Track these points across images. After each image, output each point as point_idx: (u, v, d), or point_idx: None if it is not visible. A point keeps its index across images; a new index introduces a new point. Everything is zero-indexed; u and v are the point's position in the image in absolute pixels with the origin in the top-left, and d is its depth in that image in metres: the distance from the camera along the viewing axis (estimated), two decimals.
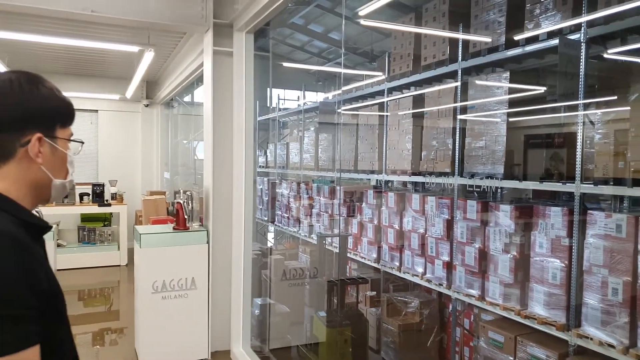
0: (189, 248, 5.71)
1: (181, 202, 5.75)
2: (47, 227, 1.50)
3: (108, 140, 12.63)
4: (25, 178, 1.45)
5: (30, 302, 1.21)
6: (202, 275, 5.74)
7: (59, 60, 9.90)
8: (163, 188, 12.28)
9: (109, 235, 11.47)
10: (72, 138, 1.59)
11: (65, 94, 1.57)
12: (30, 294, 1.21)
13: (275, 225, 10.12)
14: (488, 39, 5.06)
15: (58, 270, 9.14)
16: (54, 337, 1.34)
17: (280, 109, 11.08)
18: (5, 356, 1.14)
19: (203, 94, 6.20)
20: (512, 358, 4.61)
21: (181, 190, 6.42)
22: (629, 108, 3.91)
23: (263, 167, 10.98)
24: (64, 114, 1.55)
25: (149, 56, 7.39)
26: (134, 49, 7.38)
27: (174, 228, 5.87)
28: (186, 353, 5.73)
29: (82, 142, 1.64)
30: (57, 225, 10.45)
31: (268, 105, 11.61)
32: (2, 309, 1.15)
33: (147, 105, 12.69)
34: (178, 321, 5.63)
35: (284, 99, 11.87)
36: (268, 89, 11.57)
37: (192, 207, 5.92)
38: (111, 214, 11.51)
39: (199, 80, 9.14)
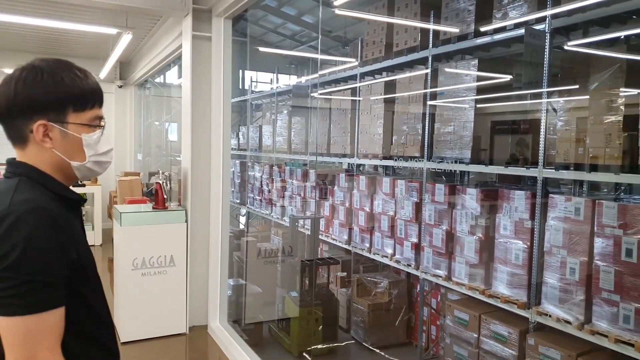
0: (168, 227, 5.77)
1: (160, 182, 5.81)
2: (82, 200, 1.64)
3: None
4: (45, 160, 1.54)
5: (57, 271, 1.38)
6: (181, 253, 5.81)
7: (28, 39, 9.65)
8: (136, 169, 12.22)
9: (83, 215, 11.29)
10: (90, 122, 1.59)
11: None
12: (59, 264, 1.39)
13: (248, 207, 10.16)
14: (456, 30, 5.18)
15: None
16: (82, 296, 1.51)
17: (252, 91, 11.07)
18: (34, 314, 1.33)
19: (182, 78, 6.19)
20: (476, 335, 4.79)
21: (160, 171, 6.46)
22: (588, 97, 4.09)
23: (235, 149, 10.88)
24: (77, 98, 1.55)
25: (126, 38, 7.27)
26: (112, 31, 7.28)
27: (153, 207, 5.92)
28: (165, 328, 5.79)
29: (102, 126, 1.63)
30: None
31: (240, 87, 11.60)
32: (34, 275, 1.33)
33: (120, 87, 12.51)
34: (157, 297, 5.69)
35: (257, 81, 11.85)
36: (240, 71, 11.56)
37: (170, 188, 5.98)
38: (85, 194, 11.39)
39: (174, 62, 9.12)
